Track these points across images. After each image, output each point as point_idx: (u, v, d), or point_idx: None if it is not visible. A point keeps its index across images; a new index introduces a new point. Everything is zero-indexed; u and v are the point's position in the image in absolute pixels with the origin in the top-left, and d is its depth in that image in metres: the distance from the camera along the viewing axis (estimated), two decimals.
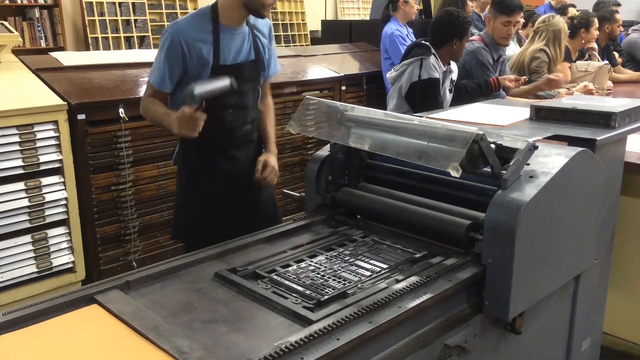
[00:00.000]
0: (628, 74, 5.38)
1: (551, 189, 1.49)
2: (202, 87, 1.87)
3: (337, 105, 1.85)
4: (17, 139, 2.59)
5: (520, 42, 5.32)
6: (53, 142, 2.71)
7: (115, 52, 6.09)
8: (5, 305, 2.56)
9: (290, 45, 8.53)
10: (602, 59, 4.96)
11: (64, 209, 2.77)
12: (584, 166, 1.65)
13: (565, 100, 2.35)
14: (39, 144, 2.66)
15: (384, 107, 3.54)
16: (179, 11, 7.66)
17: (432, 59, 3.24)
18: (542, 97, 3.88)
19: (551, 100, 3.13)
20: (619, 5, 6.05)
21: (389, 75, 3.50)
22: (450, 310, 1.43)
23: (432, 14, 5.86)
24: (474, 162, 1.46)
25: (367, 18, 8.21)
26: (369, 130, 1.68)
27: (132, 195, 3.02)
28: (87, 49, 6.73)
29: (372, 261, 1.53)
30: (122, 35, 7.06)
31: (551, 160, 1.57)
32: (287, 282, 1.40)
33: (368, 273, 1.46)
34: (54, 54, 3.34)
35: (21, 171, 2.63)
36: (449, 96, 3.41)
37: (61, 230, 2.80)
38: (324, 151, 1.89)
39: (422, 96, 3.23)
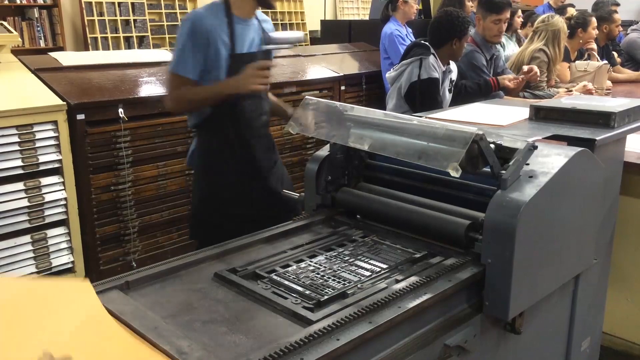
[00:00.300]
0: (627, 73, 5.38)
1: (551, 189, 1.49)
2: (279, 34, 2.09)
3: (337, 105, 1.84)
4: (16, 139, 2.59)
5: (519, 42, 5.33)
6: (52, 142, 2.71)
7: (115, 52, 6.09)
8: None
9: None
10: (602, 59, 4.96)
11: (64, 209, 2.77)
12: (583, 166, 1.65)
13: (565, 100, 2.35)
14: (38, 144, 2.66)
15: (383, 107, 3.53)
16: (178, 11, 7.66)
17: (431, 58, 3.24)
18: (541, 97, 3.88)
19: (550, 100, 3.13)
20: (617, 5, 6.05)
21: (389, 75, 3.50)
22: (450, 310, 1.43)
23: (432, 14, 5.86)
24: (474, 162, 1.45)
25: (367, 18, 8.21)
26: (368, 130, 1.68)
27: (131, 195, 3.02)
28: (87, 49, 6.74)
29: (371, 261, 1.53)
30: (121, 35, 7.06)
31: (551, 160, 1.57)
32: (287, 282, 1.40)
33: (368, 273, 1.45)
34: (53, 54, 3.34)
35: (21, 171, 2.63)
36: (448, 96, 3.41)
37: (61, 230, 2.80)
38: (324, 151, 1.89)
39: (422, 96, 3.23)
